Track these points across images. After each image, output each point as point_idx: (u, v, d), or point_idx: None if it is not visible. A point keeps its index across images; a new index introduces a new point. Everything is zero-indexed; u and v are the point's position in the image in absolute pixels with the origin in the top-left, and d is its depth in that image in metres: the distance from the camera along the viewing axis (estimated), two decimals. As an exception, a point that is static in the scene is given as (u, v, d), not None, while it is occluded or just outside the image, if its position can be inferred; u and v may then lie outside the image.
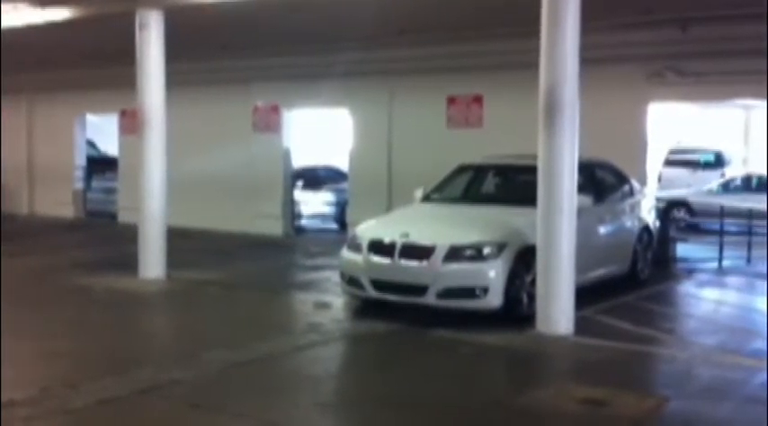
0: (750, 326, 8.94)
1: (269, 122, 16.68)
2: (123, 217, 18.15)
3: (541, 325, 8.03)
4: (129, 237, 12.04)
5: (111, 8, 11.27)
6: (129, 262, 11.29)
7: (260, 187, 16.47)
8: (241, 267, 12.51)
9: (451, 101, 14.64)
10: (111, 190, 19.88)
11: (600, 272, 9.76)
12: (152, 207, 11.11)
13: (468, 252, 8.35)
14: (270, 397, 6.12)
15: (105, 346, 7.66)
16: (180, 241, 13.01)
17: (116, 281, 10.75)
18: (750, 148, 22.42)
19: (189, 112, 16.46)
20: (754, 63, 11.68)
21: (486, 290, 8.21)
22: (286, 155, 16.63)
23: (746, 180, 19.09)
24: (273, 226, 16.28)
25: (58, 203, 19.82)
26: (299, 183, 17.50)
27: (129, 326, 8.68)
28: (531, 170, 8.38)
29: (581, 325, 8.10)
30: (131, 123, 15.51)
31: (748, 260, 12.93)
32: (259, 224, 16.22)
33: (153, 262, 11.06)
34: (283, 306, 9.95)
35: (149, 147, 11.11)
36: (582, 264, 8.44)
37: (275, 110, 16.59)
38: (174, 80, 11.74)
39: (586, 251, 8.81)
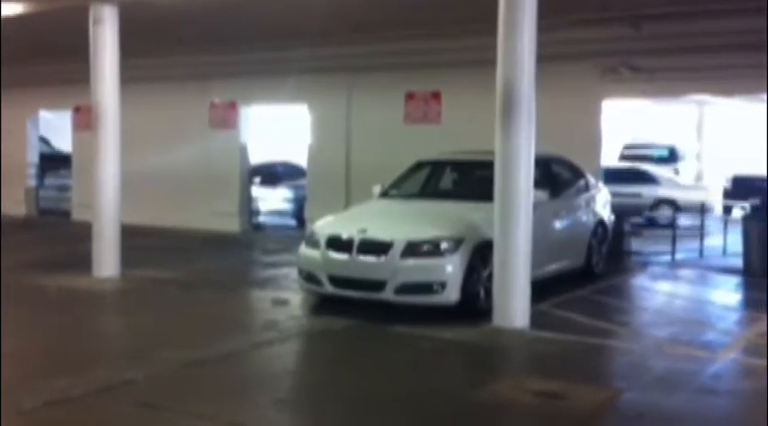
0: (702, 318, 9.12)
1: (226, 119, 16.56)
2: (77, 214, 17.89)
3: (498, 319, 8.10)
4: (82, 235, 11.87)
5: (64, 3, 11.09)
6: (82, 261, 11.13)
7: (217, 184, 16.35)
8: (198, 265, 12.40)
9: (410, 97, 14.67)
10: (64, 188, 19.58)
11: (556, 266, 9.87)
12: (106, 204, 10.96)
13: (426, 248, 8.38)
14: (227, 396, 6.07)
15: (58, 346, 7.54)
16: (135, 239, 12.85)
17: (69, 280, 10.59)
18: (703, 143, 22.82)
19: (144, 109, 16.24)
20: (706, 59, 11.90)
21: (443, 285, 8.25)
22: (243, 152, 16.54)
23: None
24: (231, 223, 16.18)
25: (11, 201, 19.45)
26: (257, 180, 17.39)
27: (83, 326, 8.56)
28: (489, 165, 8.44)
29: (537, 319, 8.19)
30: (85, 119, 15.26)
31: (701, 253, 13.16)
32: (216, 221, 16.10)
33: (107, 261, 10.92)
34: (241, 303, 9.88)
35: (103, 144, 10.96)
36: (538, 258, 8.54)
37: (232, 106, 16.48)
38: (129, 76, 11.59)
39: (542, 245, 8.90)
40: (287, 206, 17.71)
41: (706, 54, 11.84)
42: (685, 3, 10.87)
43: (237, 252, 14.02)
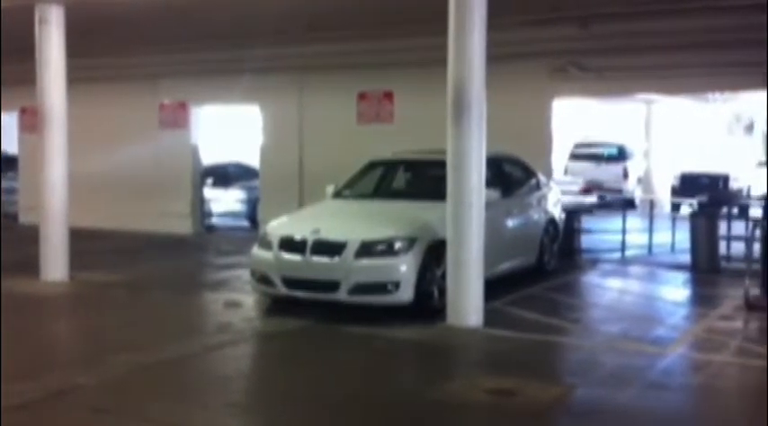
0: (652, 314, 9.27)
1: (176, 119, 16.38)
2: (24, 217, 17.53)
3: (452, 318, 8.13)
4: (30, 238, 11.60)
5: (8, 2, 10.84)
6: (30, 265, 10.89)
7: (168, 185, 16.16)
8: (149, 267, 12.24)
9: (362, 97, 14.66)
10: (11, 191, 19.14)
11: (508, 265, 9.95)
12: (54, 206, 10.76)
13: (380, 248, 8.37)
14: (178, 400, 6.00)
15: (5, 352, 7.36)
16: (85, 242, 12.64)
17: (16, 284, 10.35)
18: (651, 142, 23.14)
19: (93, 110, 15.98)
20: (652, 59, 12.10)
21: (397, 285, 8.26)
22: (194, 153, 16.38)
23: None
24: (182, 225, 16.00)
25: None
26: (209, 181, 17.23)
27: (31, 331, 8.38)
28: (441, 165, 8.47)
29: (490, 317, 8.24)
30: (32, 121, 14.93)
31: (650, 249, 13.38)
32: (167, 223, 15.90)
33: (55, 264, 10.71)
34: (193, 306, 9.77)
35: (50, 146, 10.75)
36: (491, 257, 8.60)
37: (183, 106, 16.30)
38: (76, 76, 11.40)
39: (495, 244, 8.98)
40: (239, 207, 17.58)
41: (653, 53, 12.04)
42: (633, 3, 11.03)
43: (189, 254, 13.87)
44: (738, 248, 11.37)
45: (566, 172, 22.41)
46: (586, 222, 14.05)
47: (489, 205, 8.62)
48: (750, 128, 31.00)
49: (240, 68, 14.76)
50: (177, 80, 16.13)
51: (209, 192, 17.08)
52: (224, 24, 13.16)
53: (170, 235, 15.47)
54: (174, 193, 16.14)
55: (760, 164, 21.46)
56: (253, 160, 17.40)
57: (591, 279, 11.36)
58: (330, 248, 8.43)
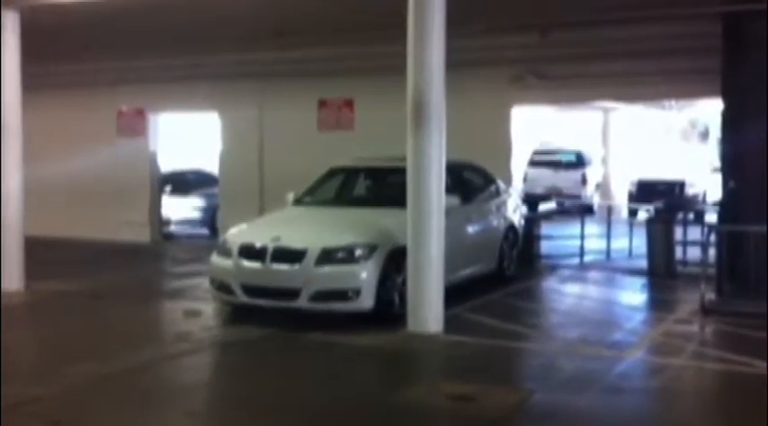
0: (610, 319, 9.39)
1: (134, 126, 16.22)
2: (-21, 227, 17.15)
3: (412, 325, 8.15)
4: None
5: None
6: (-16, 275, 10.68)
7: (126, 193, 15.96)
8: (107, 276, 12.07)
9: (323, 104, 14.66)
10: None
11: (468, 271, 10.00)
12: (8, 215, 10.57)
13: (340, 255, 8.37)
14: (137, 409, 5.93)
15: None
16: (41, 251, 12.42)
17: (-30, 295, 10.16)
18: (609, 148, 23.50)
19: (49, 117, 15.75)
20: (609, 67, 12.27)
21: (358, 292, 8.26)
22: (152, 160, 16.23)
23: None
24: (141, 233, 15.83)
25: None
26: (168, 188, 17.07)
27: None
28: (402, 172, 8.49)
29: (451, 323, 8.27)
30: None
31: (608, 255, 13.54)
32: (125, 231, 15.71)
33: (10, 274, 10.52)
34: (152, 315, 9.67)
35: (5, 153, 10.56)
36: (451, 264, 8.64)
37: (141, 113, 16.15)
38: (32, 83, 11.23)
39: (455, 250, 9.02)
40: (199, 215, 17.43)
41: (610, 61, 12.21)
42: (590, 12, 11.18)
43: (148, 262, 13.72)
44: (694, 253, 11.56)
45: (525, 178, 22.61)
46: (545, 228, 14.18)
47: (449, 212, 8.66)
48: (705, 134, 31.57)
49: (199, 75, 14.67)
50: (135, 87, 15.96)
51: (168, 200, 16.91)
52: (183, 31, 13.05)
53: (128, 243, 15.29)
54: (132, 201, 15.95)
55: (715, 170, 21.88)
56: (213, 167, 17.27)
57: (550, 284, 11.46)
58: (290, 255, 8.40)
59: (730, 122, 10.47)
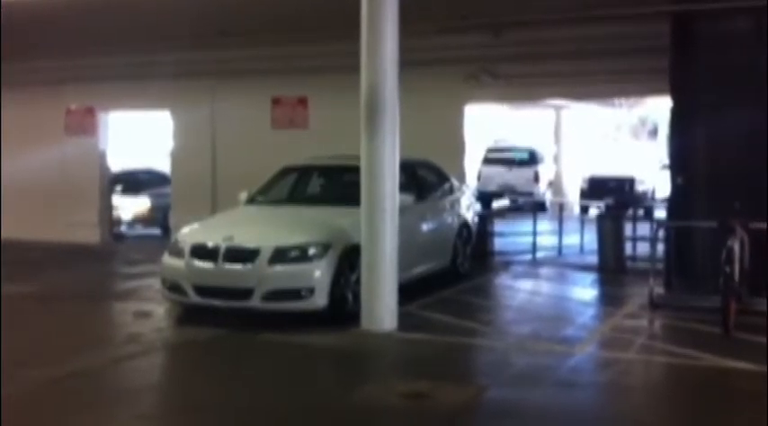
0: (561, 314, 9.50)
1: (83, 125, 15.94)
2: None
3: (366, 323, 8.14)
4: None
5: None
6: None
7: (74, 193, 15.66)
8: (55, 278, 11.85)
9: (276, 102, 14.56)
10: None
11: (422, 268, 10.02)
12: (-48, 217, 10.32)
13: (293, 254, 8.34)
14: (86, 413, 5.83)
15: None
16: (-14, 253, 12.17)
17: None
18: (561, 146, 23.73)
19: (-5, 115, 15.43)
20: (562, 65, 12.40)
21: (311, 291, 8.23)
22: (102, 159, 15.97)
23: None
24: (90, 234, 15.56)
25: None
26: (118, 188, 16.82)
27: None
28: (355, 170, 8.48)
29: (405, 321, 8.29)
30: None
31: (560, 251, 13.70)
32: (75, 232, 15.41)
33: (-45, 276, 10.28)
34: (101, 317, 9.51)
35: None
36: (405, 261, 8.65)
37: (90, 112, 15.88)
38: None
39: (409, 248, 9.03)
40: (150, 214, 17.21)
41: (561, 60, 12.33)
42: (542, 11, 11.27)
43: (98, 263, 13.51)
44: (644, 248, 11.75)
45: (479, 176, 22.76)
46: (499, 225, 14.28)
47: (403, 209, 8.67)
48: (655, 132, 32.13)
49: (150, 73, 14.45)
50: (84, 85, 15.67)
51: (119, 200, 16.67)
52: (134, 28, 12.87)
53: (77, 244, 15.01)
54: (82, 201, 15.66)
55: (664, 166, 22.27)
56: (164, 166, 17.07)
57: (503, 280, 11.56)
58: (243, 255, 8.35)
59: (678, 120, 10.64)
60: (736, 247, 8.25)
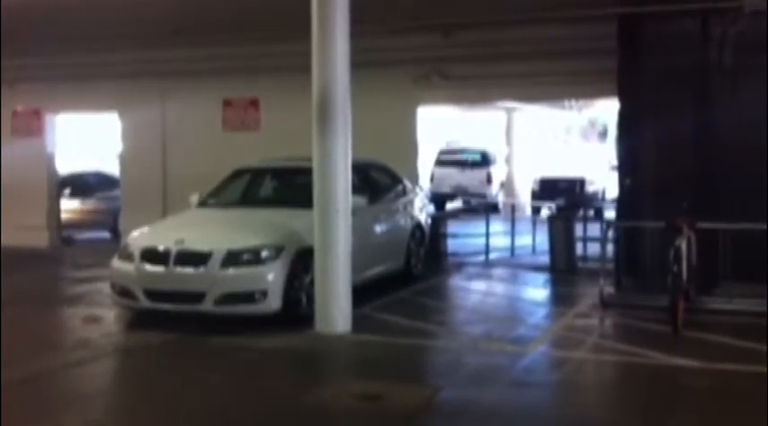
0: (514, 314, 9.58)
1: (30, 127, 15.63)
2: None
3: (320, 325, 8.12)
4: None
5: None
6: None
7: (21, 196, 15.32)
8: (2, 282, 11.55)
9: (227, 103, 14.45)
10: None
11: (376, 270, 10.02)
12: None
13: (246, 257, 8.28)
14: (35, 419, 5.72)
15: None
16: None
17: None
18: (512, 147, 23.92)
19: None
20: (512, 67, 12.50)
21: (265, 294, 8.18)
22: (50, 162, 15.68)
23: None
24: (38, 238, 15.26)
25: None
26: (66, 191, 16.52)
27: None
28: (308, 172, 8.44)
29: (359, 323, 8.28)
30: None
31: (512, 252, 13.81)
32: (22, 236, 15.06)
33: None
34: (49, 322, 9.32)
35: None
36: (359, 263, 8.64)
37: (37, 114, 15.58)
38: None
39: (362, 250, 9.03)
40: (100, 218, 16.93)
41: (512, 62, 12.43)
42: (492, 12, 11.36)
43: (45, 267, 13.24)
44: (594, 249, 11.90)
45: (432, 178, 22.85)
46: (452, 226, 14.35)
47: (356, 211, 8.67)
48: (604, 133, 32.62)
49: (98, 74, 14.24)
50: (31, 86, 15.37)
51: (67, 203, 16.37)
52: (81, 28, 12.65)
53: (25, 248, 14.68)
54: (29, 205, 15.34)
55: (613, 167, 22.62)
56: (114, 168, 16.82)
57: (457, 281, 11.61)
58: (195, 258, 8.26)
59: (626, 122, 10.81)
60: (684, 246, 8.40)
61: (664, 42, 10.54)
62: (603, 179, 22.10)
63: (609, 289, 9.66)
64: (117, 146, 15.49)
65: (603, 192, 22.04)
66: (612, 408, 6.24)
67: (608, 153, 24.30)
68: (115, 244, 14.25)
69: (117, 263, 8.74)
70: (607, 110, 22.39)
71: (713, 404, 6.09)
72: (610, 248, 10.28)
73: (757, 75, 9.99)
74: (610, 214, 14.63)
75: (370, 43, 11.10)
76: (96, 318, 9.00)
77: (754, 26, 9.79)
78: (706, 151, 10.24)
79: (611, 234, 10.43)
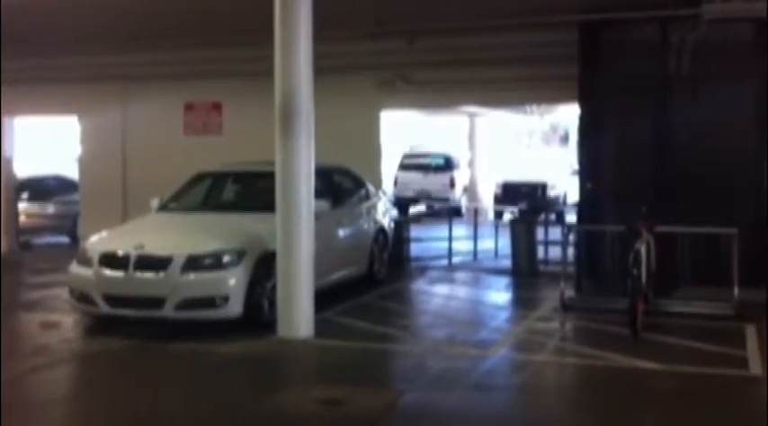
0: (476, 318, 9.62)
1: (-13, 130, 15.36)
2: None
3: (283, 330, 8.07)
4: None
5: None
6: None
7: (-22, 200, 15.09)
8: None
9: (189, 107, 14.34)
10: None
11: (339, 275, 10.00)
12: None
13: (207, 262, 8.21)
14: (-12, 430, 5.60)
15: None
16: None
17: None
18: (475, 152, 24.04)
19: None
20: (475, 72, 12.58)
21: (226, 299, 8.12)
22: (8, 166, 15.42)
23: None
24: (-4, 243, 15.00)
25: None
26: (25, 195, 16.25)
27: None
28: (271, 176, 8.40)
29: (321, 327, 8.25)
30: None
31: (475, 256, 13.88)
32: (-22, 241, 14.85)
33: None
34: (6, 328, 9.11)
35: None
36: (322, 268, 8.62)
37: (-7, 117, 15.31)
38: None
39: (325, 254, 9.01)
40: (59, 222, 16.68)
41: (475, 67, 12.51)
42: (455, 19, 11.42)
43: (3, 272, 12.98)
44: (556, 252, 12.00)
45: (395, 182, 22.88)
46: (415, 231, 14.38)
47: (319, 216, 8.65)
48: (565, 138, 32.94)
49: (57, 78, 14.05)
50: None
51: (25, 207, 16.11)
52: (39, 31, 12.46)
53: (-19, 253, 14.46)
54: (-14, 209, 15.09)
55: (574, 172, 22.85)
56: (73, 172, 16.59)
57: (419, 286, 11.63)
58: (155, 263, 8.17)
59: (586, 127, 10.94)
60: (643, 250, 8.50)
61: (624, 49, 10.69)
62: (565, 183, 22.29)
63: (570, 293, 9.75)
64: (76, 149, 15.27)
65: (565, 196, 22.24)
66: (573, 410, 6.29)
67: (569, 157, 24.55)
68: (74, 248, 14.00)
69: (75, 268, 8.62)
70: (569, 115, 22.62)
71: (673, 406, 6.17)
72: (571, 251, 10.38)
73: (715, 81, 10.18)
74: (571, 218, 14.83)
75: (334, 48, 11.12)
76: (54, 324, 8.87)
77: (712, 34, 9.96)
78: (665, 156, 10.39)
79: (572, 237, 10.54)
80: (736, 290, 8.98)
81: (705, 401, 6.20)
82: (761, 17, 9.56)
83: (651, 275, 8.77)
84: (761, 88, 10.07)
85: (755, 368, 7.00)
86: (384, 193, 13.20)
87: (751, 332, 8.16)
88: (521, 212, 14.45)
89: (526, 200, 16.81)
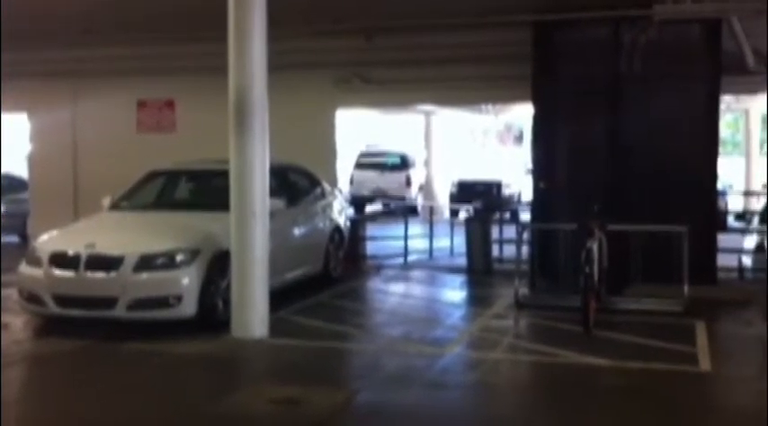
0: (431, 316, 9.66)
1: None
2: None
3: (237, 330, 8.01)
4: None
5: None
6: None
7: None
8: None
9: (142, 104, 14.17)
10: None
11: (295, 273, 9.96)
12: None
13: (160, 261, 8.11)
14: (-68, 434, 5.46)
15: None
16: None
17: None
18: (431, 151, 24.15)
19: None
20: (431, 71, 12.63)
21: (179, 299, 8.03)
22: (-45, 164, 15.08)
23: None
24: (-59, 243, 14.64)
25: None
26: (-29, 194, 15.90)
27: None
28: (225, 174, 8.32)
29: (276, 327, 8.20)
30: None
31: (430, 254, 13.93)
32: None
33: None
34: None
35: None
36: (276, 266, 8.57)
37: (-60, 113, 14.94)
38: None
39: (280, 253, 8.96)
40: (8, 221, 16.33)
41: (431, 66, 12.57)
42: (413, 17, 11.44)
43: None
44: (510, 250, 12.10)
45: (351, 180, 22.87)
46: (371, 229, 14.37)
47: (274, 214, 8.60)
48: (520, 137, 33.26)
49: (6, 73, 13.72)
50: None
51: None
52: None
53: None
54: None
55: (529, 171, 23.08)
56: (22, 170, 16.28)
57: (375, 284, 11.63)
58: (106, 263, 8.05)
59: (540, 126, 11.06)
60: (595, 248, 8.61)
61: (577, 49, 10.82)
62: (520, 182, 22.51)
63: (524, 290, 9.83)
64: (26, 147, 14.98)
65: (519, 195, 22.46)
66: (527, 407, 6.34)
67: (524, 156, 24.80)
68: (24, 248, 13.76)
69: (25, 268, 8.46)
70: (523, 114, 22.85)
71: (625, 402, 6.25)
72: (525, 250, 10.47)
73: (666, 82, 10.36)
74: (525, 216, 14.94)
75: (290, 45, 11.08)
76: (4, 325, 8.65)
77: (664, 35, 10.13)
78: (617, 155, 10.55)
79: (526, 236, 10.63)
80: (686, 288, 9.15)
81: (655, 397, 6.30)
82: (711, 18, 9.75)
83: (603, 273, 8.91)
84: (711, 89, 10.28)
85: (705, 364, 7.13)
86: (340, 192, 13.17)
87: (701, 329, 8.31)
88: (476, 211, 14.54)
89: (481, 199, 16.91)
